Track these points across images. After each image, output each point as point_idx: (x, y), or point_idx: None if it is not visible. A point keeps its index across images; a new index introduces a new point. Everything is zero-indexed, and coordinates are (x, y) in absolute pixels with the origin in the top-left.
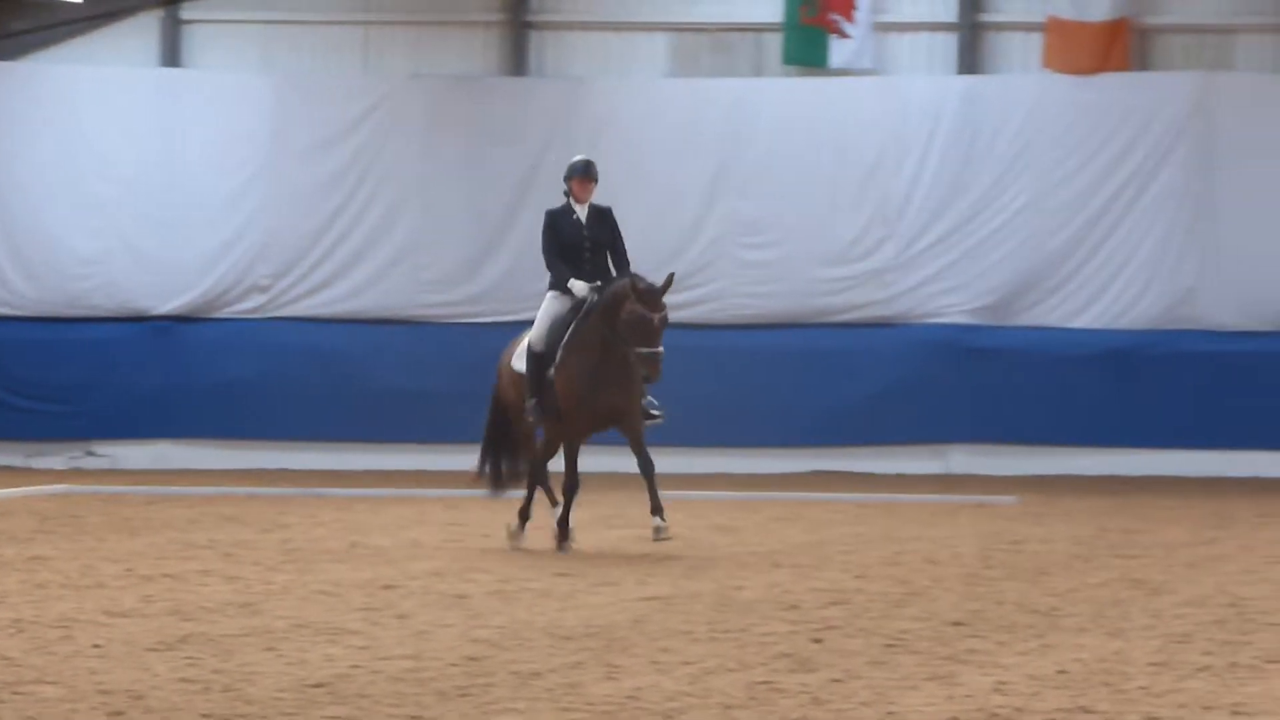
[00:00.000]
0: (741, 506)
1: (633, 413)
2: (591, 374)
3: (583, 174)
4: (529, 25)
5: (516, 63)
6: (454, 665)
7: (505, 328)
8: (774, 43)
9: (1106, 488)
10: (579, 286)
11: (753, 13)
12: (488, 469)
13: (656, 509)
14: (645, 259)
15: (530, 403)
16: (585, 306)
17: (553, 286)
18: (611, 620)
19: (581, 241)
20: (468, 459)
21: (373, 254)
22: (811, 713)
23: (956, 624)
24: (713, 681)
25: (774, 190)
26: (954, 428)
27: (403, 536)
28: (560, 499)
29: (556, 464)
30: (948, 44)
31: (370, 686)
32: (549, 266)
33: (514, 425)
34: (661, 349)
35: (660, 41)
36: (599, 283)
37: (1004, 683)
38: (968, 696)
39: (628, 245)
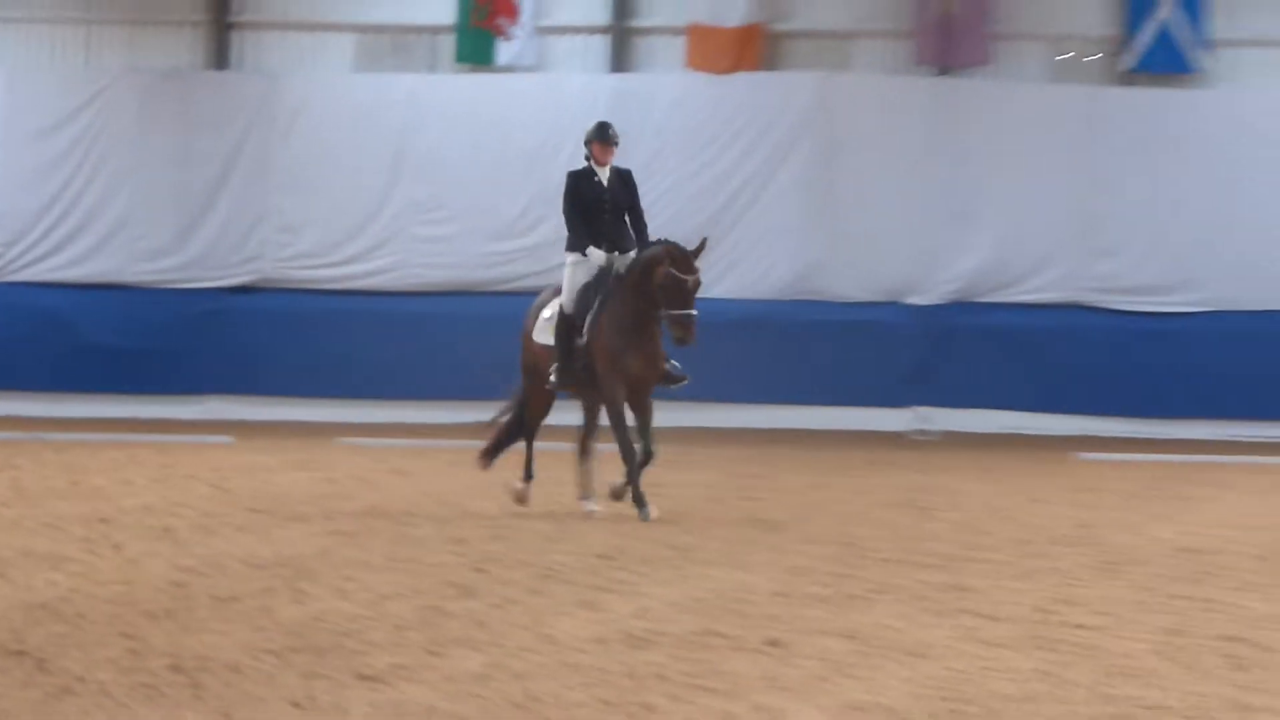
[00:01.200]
0: (418, 452)
1: (649, 386)
2: (624, 336)
3: (602, 138)
4: (231, 25)
5: (220, 59)
6: (161, 590)
7: (210, 293)
8: (447, 43)
9: (738, 439)
10: (596, 255)
11: (428, 16)
12: (495, 454)
13: (633, 493)
14: (334, 232)
15: (554, 368)
16: (614, 273)
17: (571, 248)
18: (300, 551)
19: (602, 203)
20: (175, 407)
21: (93, 227)
22: (474, 634)
23: (603, 557)
24: (388, 606)
25: (446, 174)
26: None
27: (117, 476)
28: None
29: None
30: (601, 45)
31: (88, 608)
32: (569, 227)
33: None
34: (696, 312)
35: (347, 41)
36: (616, 253)
37: (645, 609)
38: (613, 620)
39: (318, 216)
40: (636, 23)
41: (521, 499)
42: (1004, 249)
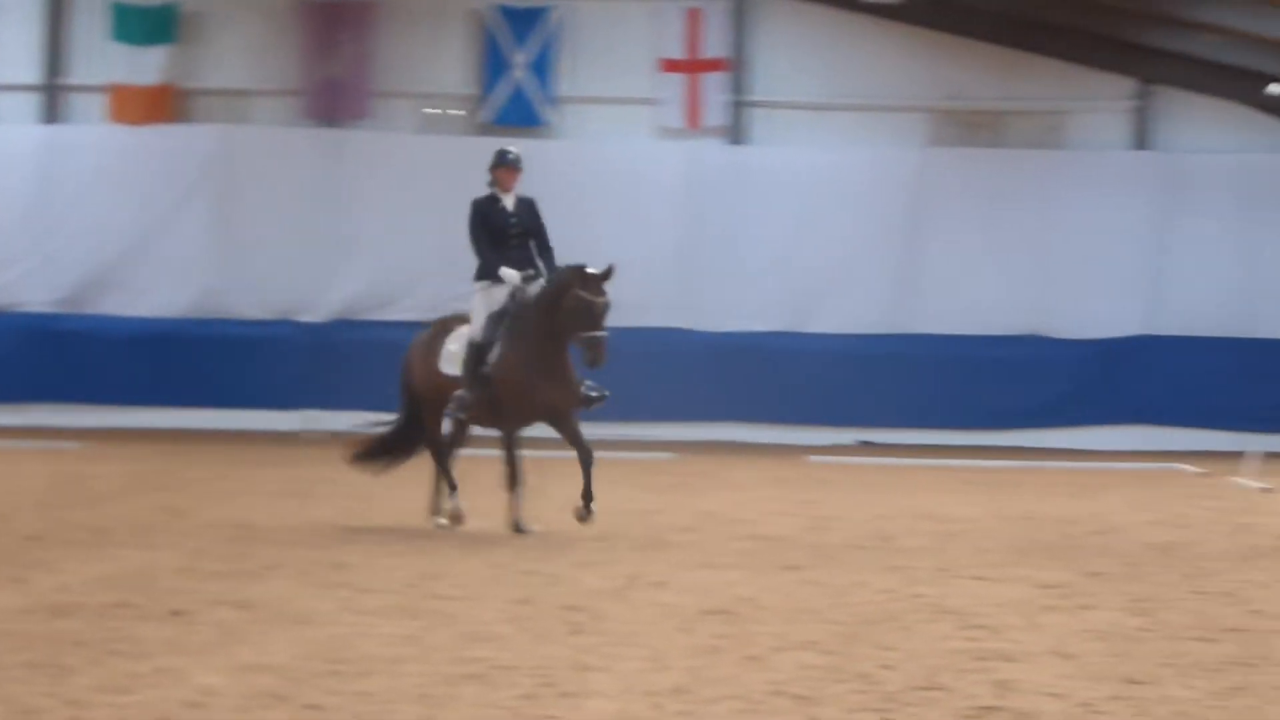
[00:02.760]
0: None
1: (568, 408)
2: (530, 367)
3: (509, 164)
4: None
5: None
6: None
7: None
8: None
9: (149, 438)
10: (510, 274)
11: None
12: (381, 455)
13: (588, 496)
14: None
15: (458, 395)
16: (520, 298)
17: (481, 276)
18: None
19: (508, 230)
20: None
21: None
22: None
23: (30, 538)
24: None
25: None
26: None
27: None
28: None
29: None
30: (32, 101)
31: None
32: (478, 254)
33: (425, 421)
34: (606, 333)
35: None
36: (530, 270)
37: (65, 584)
38: (38, 594)
39: None
40: (65, 81)
41: (458, 518)
42: (380, 275)
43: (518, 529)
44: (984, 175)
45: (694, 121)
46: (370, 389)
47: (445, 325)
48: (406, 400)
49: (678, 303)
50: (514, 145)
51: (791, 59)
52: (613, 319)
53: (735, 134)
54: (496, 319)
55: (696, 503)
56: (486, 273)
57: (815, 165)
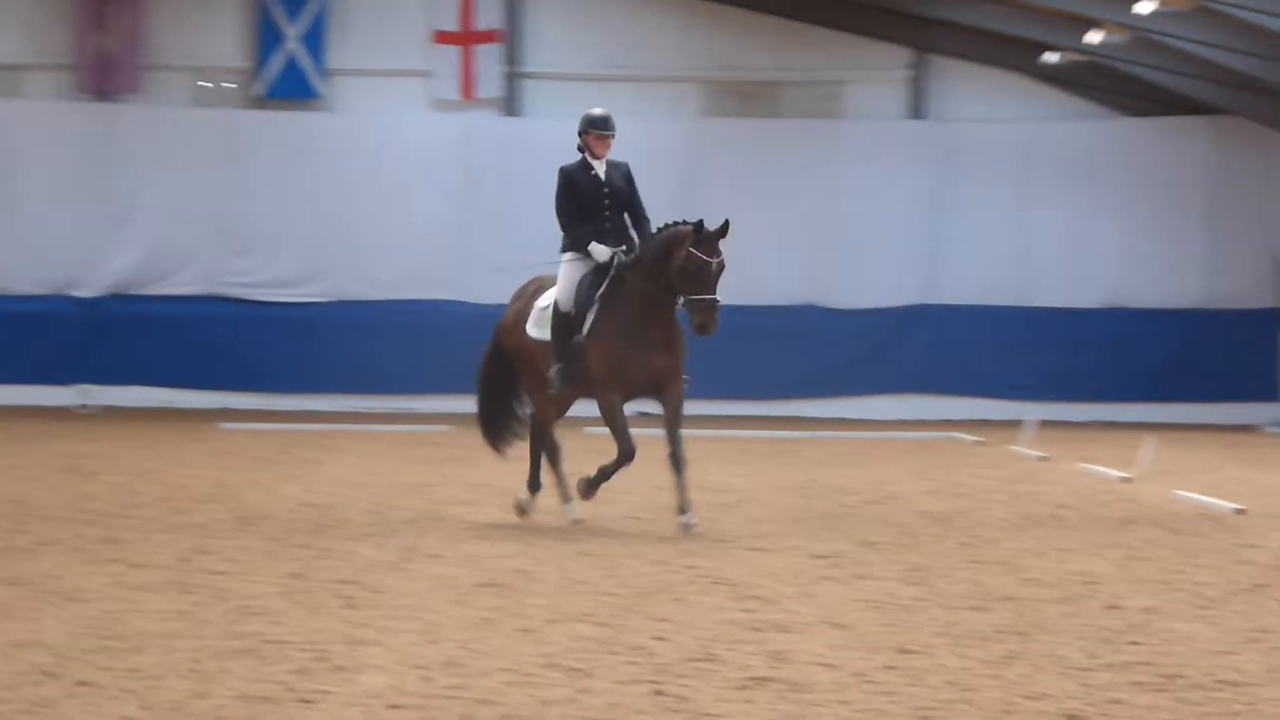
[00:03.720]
0: None
1: (676, 378)
2: (632, 336)
3: (600, 127)
4: None
5: None
6: None
7: None
8: None
9: None
10: (600, 251)
11: None
12: (486, 433)
13: (685, 506)
14: None
15: (554, 369)
16: (618, 263)
17: (568, 249)
18: None
19: (601, 199)
20: None
21: None
22: None
23: None
24: None
25: None
26: None
27: None
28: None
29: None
30: None
31: None
32: (564, 227)
33: (513, 385)
34: (719, 299)
35: None
36: (624, 247)
37: None
38: None
39: None
40: None
41: (523, 511)
42: (155, 249)
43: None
44: (759, 146)
45: (468, 93)
46: (145, 363)
47: (541, 284)
48: (493, 371)
49: (453, 275)
50: (601, 108)
51: (564, 30)
52: (386, 292)
53: (509, 106)
54: (590, 283)
55: (473, 475)
56: (574, 246)
57: None
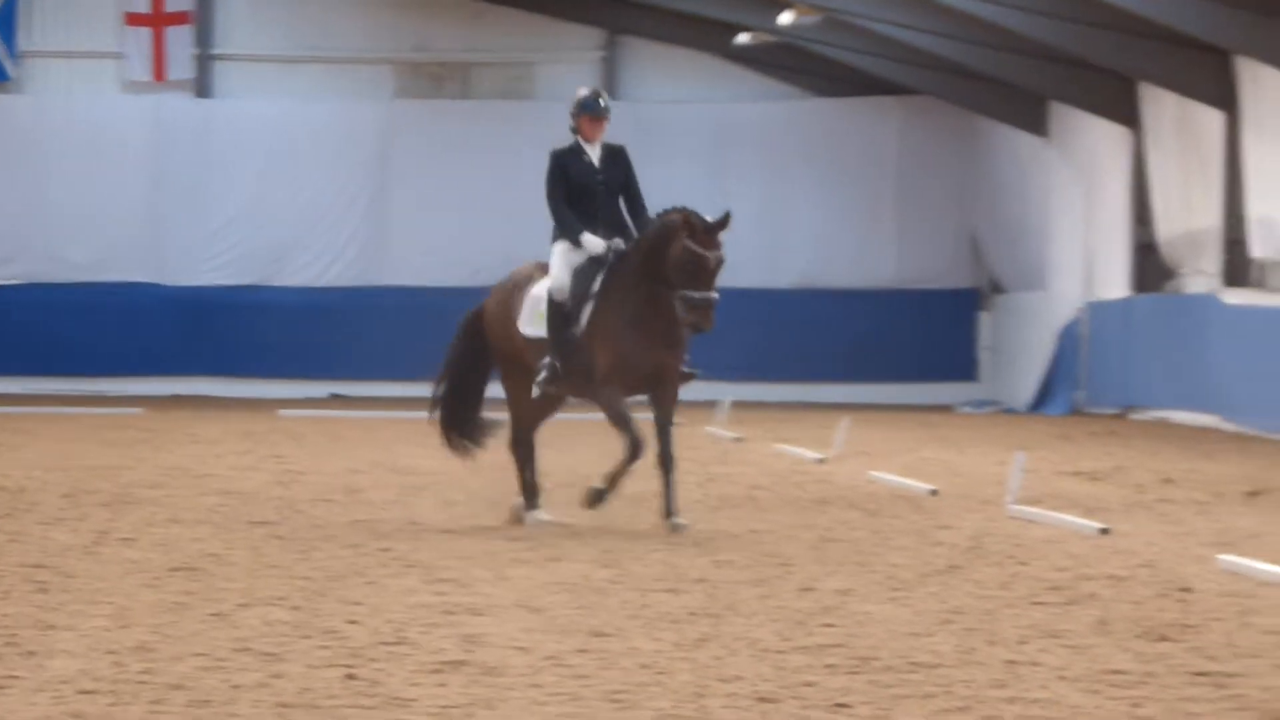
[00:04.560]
0: None
1: (673, 377)
2: (635, 329)
3: (591, 110)
4: None
5: None
6: None
7: None
8: None
9: None
10: (593, 243)
11: None
12: (460, 446)
13: (671, 512)
14: None
15: (545, 363)
16: (616, 251)
17: (559, 238)
18: None
19: (594, 186)
20: None
21: None
22: None
23: None
24: None
25: None
26: None
27: None
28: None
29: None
30: None
31: None
32: (555, 215)
33: (484, 380)
34: (716, 294)
35: None
36: (617, 240)
37: None
38: None
39: None
40: None
41: (517, 519)
42: None
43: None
44: (452, 127)
45: (159, 75)
46: None
47: (522, 275)
48: (458, 366)
49: (145, 258)
50: (589, 88)
51: (255, 12)
52: (78, 274)
53: (201, 88)
54: (587, 273)
55: (165, 458)
56: (565, 237)
57: (282, 119)
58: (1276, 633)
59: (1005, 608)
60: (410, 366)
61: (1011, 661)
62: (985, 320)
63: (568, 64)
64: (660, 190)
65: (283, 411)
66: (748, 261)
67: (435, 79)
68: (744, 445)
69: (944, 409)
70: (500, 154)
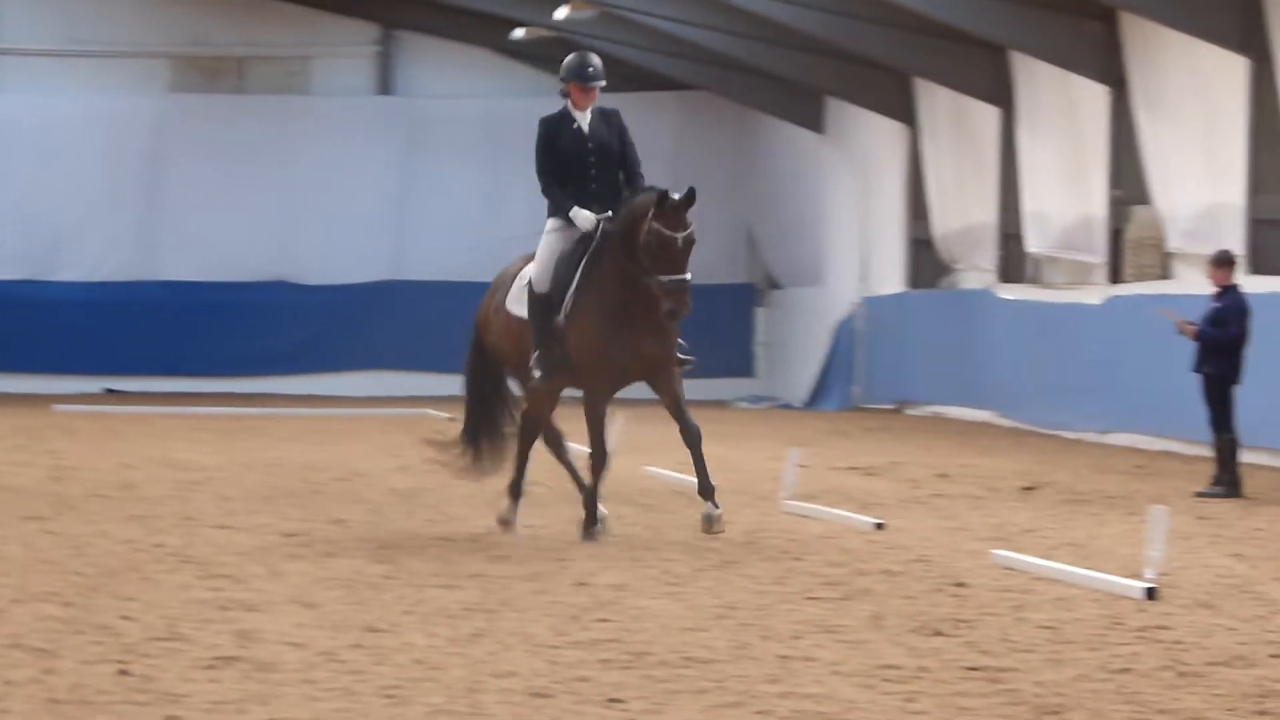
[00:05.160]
0: None
1: (669, 363)
2: (614, 318)
3: (581, 76)
4: None
5: None
6: None
7: None
8: None
9: None
10: (583, 217)
11: None
12: (471, 450)
13: (706, 490)
14: None
15: (534, 357)
16: (599, 235)
17: (552, 213)
18: None
19: (585, 155)
20: None
21: None
22: None
23: None
24: None
25: None
26: None
27: None
28: (583, 477)
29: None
30: None
31: None
32: (545, 190)
33: (503, 386)
34: (689, 276)
35: None
36: (610, 212)
37: None
38: None
39: None
40: None
41: (506, 522)
42: None
43: (590, 532)
44: (227, 122)
45: None
46: None
47: (519, 268)
48: (478, 373)
49: None
50: (578, 53)
51: (27, 5)
52: None
53: None
54: (568, 260)
55: None
56: (557, 213)
57: (55, 113)
58: (1050, 627)
59: (780, 603)
60: (187, 362)
61: (785, 656)
62: (762, 316)
63: (343, 59)
64: (436, 185)
65: (57, 407)
66: (519, 254)
67: (210, 73)
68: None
69: (720, 404)
70: (275, 149)
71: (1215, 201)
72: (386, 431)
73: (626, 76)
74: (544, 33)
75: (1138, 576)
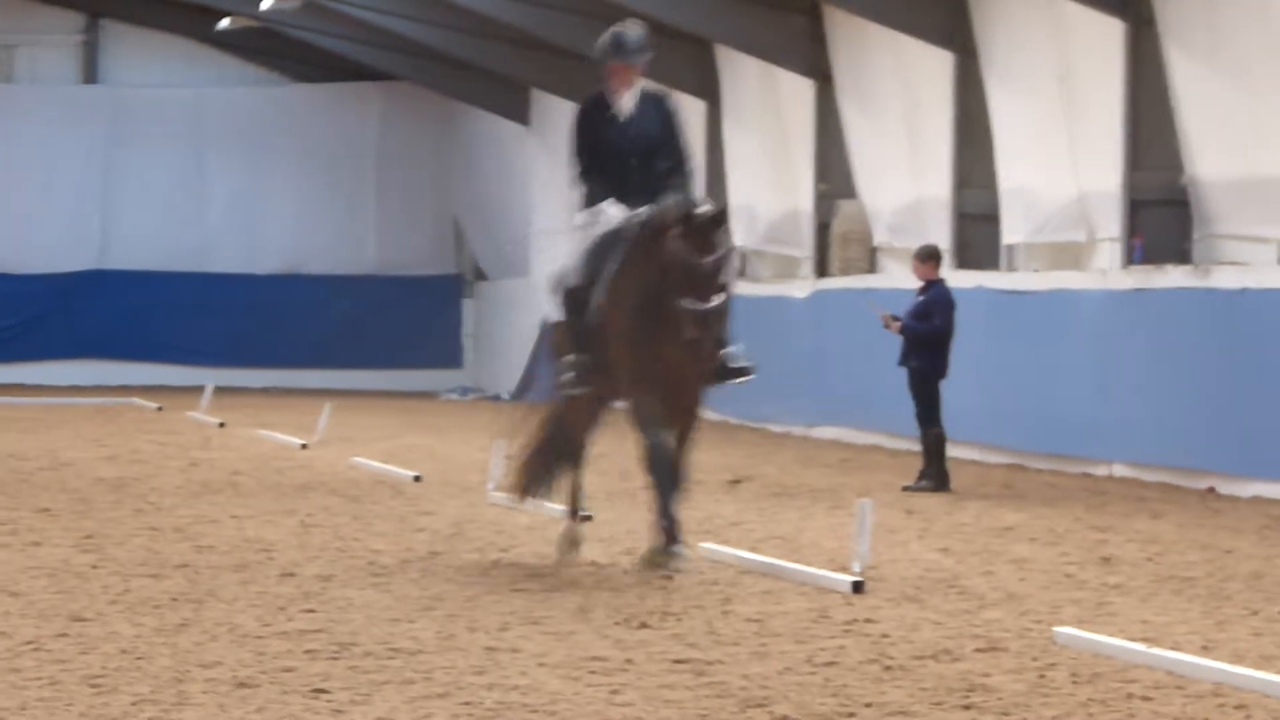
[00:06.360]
0: None
1: (693, 383)
2: (651, 315)
3: (620, 54)
4: None
5: None
6: None
7: None
8: None
9: None
10: (614, 212)
11: None
12: (533, 484)
13: (670, 534)
14: None
15: (569, 360)
16: (637, 226)
17: (583, 206)
18: None
19: (623, 145)
20: None
21: None
22: None
23: None
24: None
25: None
26: None
27: None
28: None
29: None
30: None
31: None
32: (580, 179)
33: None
34: (715, 303)
35: None
36: (643, 211)
37: None
38: None
39: None
40: None
41: (574, 543)
42: None
43: (660, 556)
44: None
45: None
46: None
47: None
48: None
49: None
50: (620, 26)
51: None
52: None
53: None
54: (600, 251)
55: None
56: (588, 201)
57: None
58: (757, 620)
59: (486, 594)
60: None
61: (491, 648)
62: (469, 307)
63: (47, 47)
64: (141, 175)
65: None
66: (228, 247)
67: None
68: (226, 431)
69: (428, 395)
70: None
71: (920, 196)
72: (94, 421)
73: (330, 67)
74: (249, 23)
75: (844, 570)
